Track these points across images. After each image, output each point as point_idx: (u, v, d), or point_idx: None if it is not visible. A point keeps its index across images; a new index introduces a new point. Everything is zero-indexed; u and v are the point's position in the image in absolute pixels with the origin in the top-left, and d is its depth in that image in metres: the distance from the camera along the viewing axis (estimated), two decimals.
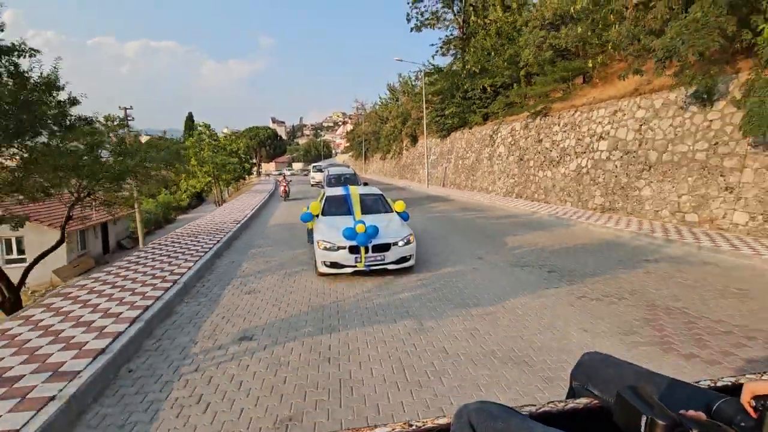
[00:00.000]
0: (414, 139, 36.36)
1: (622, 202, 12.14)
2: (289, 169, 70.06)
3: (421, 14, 28.96)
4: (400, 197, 10.78)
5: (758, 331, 4.27)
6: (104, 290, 5.82)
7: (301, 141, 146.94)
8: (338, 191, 8.62)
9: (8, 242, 18.86)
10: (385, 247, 6.51)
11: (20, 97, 6.08)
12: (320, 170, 30.58)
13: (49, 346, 3.98)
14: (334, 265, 6.44)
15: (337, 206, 7.92)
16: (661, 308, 5.00)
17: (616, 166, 12.56)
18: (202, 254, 8.09)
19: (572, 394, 1.29)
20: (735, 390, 0.94)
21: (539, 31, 16.29)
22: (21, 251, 18.84)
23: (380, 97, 51.08)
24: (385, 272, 6.66)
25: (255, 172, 68.60)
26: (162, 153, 9.82)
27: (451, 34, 28.73)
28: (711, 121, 9.83)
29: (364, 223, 6.42)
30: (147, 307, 5.01)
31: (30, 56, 6.31)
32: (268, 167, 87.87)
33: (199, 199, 51.46)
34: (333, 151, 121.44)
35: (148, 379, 3.69)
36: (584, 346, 4.04)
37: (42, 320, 4.69)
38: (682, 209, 10.26)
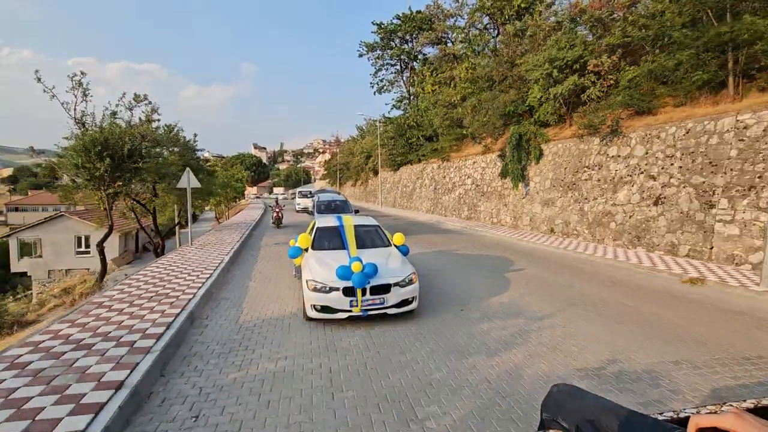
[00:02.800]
0: (376, 172, 45.81)
1: (474, 214, 21.52)
2: (284, 194, 70.35)
3: (381, 81, 39.30)
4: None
5: (478, 251, 13.30)
6: (220, 236, 14.50)
7: (282, 167, 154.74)
8: (330, 222, 8.05)
9: (79, 239, 26.73)
10: (385, 289, 5.82)
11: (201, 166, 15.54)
12: (305, 195, 30.91)
13: (189, 276, 12.77)
14: (325, 309, 5.73)
15: (329, 239, 7.36)
16: (434, 243, 14.07)
17: (473, 194, 22.00)
18: (245, 230, 16.81)
19: (543, 426, 1.31)
20: None
21: (443, 107, 26.18)
22: (87, 245, 26.74)
23: (351, 136, 61.11)
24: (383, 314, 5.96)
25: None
26: (220, 179, 18.75)
27: (401, 95, 38.96)
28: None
29: (360, 261, 5.77)
30: (241, 237, 13.79)
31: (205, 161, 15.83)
32: (251, 191, 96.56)
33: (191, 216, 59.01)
34: (312, 178, 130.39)
35: (253, 246, 12.66)
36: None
37: (165, 264, 13.42)
38: (493, 216, 19.66)
